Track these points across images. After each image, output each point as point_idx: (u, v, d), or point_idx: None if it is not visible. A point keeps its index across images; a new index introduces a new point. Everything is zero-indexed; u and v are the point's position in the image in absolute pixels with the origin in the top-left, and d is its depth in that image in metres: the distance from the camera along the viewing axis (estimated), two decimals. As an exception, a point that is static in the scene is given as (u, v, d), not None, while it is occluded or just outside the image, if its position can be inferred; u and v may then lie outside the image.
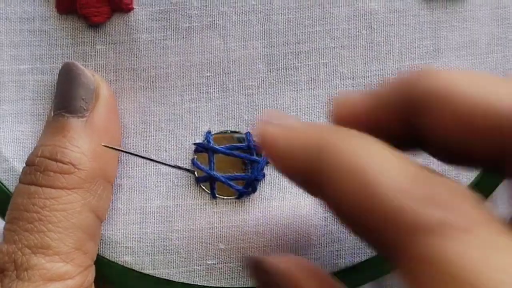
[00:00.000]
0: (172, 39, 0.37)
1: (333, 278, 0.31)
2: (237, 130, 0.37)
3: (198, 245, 0.37)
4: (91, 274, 0.34)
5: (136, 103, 0.37)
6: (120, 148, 0.34)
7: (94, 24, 0.37)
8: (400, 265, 0.22)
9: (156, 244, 0.36)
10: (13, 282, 0.32)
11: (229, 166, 0.37)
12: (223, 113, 0.37)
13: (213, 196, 0.36)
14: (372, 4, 0.37)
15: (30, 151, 0.35)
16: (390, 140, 0.25)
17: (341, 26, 0.37)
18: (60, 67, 0.36)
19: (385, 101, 0.27)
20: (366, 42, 0.37)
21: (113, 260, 0.36)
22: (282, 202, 0.37)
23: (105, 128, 0.35)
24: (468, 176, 0.38)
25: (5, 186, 0.36)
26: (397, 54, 0.37)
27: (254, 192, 0.37)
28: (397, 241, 0.22)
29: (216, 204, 0.37)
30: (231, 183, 0.36)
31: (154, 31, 0.37)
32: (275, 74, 0.37)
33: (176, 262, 0.36)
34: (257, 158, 0.37)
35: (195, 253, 0.36)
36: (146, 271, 0.36)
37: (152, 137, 0.37)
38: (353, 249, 0.37)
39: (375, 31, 0.37)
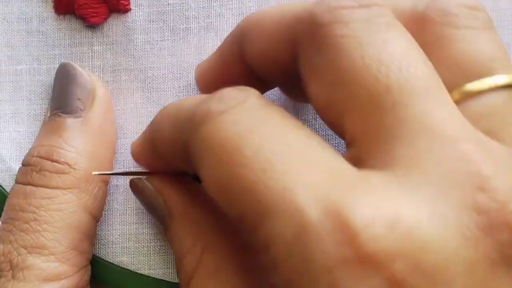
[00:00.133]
0: (169, 40, 0.37)
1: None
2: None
3: (194, 245, 0.37)
4: (87, 274, 0.34)
5: (132, 103, 0.37)
6: (111, 172, 0.36)
7: (91, 24, 0.37)
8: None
9: (152, 244, 0.36)
10: (9, 282, 0.32)
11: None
12: (219, 114, 0.37)
13: (209, 196, 0.37)
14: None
15: (27, 152, 0.35)
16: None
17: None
18: (57, 67, 0.36)
19: (229, 54, 0.32)
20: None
21: (109, 260, 0.36)
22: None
23: (101, 129, 0.35)
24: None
25: (1, 186, 0.36)
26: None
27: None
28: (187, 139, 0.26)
29: (212, 204, 0.37)
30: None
31: (151, 32, 0.37)
32: (271, 75, 0.37)
33: (172, 262, 0.36)
34: None
35: (191, 254, 0.36)
36: (142, 272, 0.36)
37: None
38: None
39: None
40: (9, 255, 0.32)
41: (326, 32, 0.25)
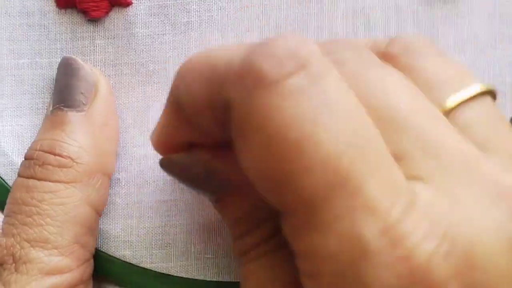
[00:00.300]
0: (171, 34, 0.37)
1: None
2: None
3: (196, 239, 0.37)
4: (89, 268, 0.34)
5: (134, 97, 0.37)
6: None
7: (93, 18, 0.37)
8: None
9: (154, 238, 0.36)
10: (12, 275, 0.32)
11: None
12: (221, 108, 0.37)
13: (211, 190, 0.37)
14: (369, 0, 0.37)
15: (29, 145, 0.35)
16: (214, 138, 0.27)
17: (339, 22, 0.37)
18: (59, 61, 0.36)
19: (171, 111, 0.29)
20: (364, 38, 0.37)
21: (112, 254, 0.36)
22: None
23: (104, 122, 0.35)
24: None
25: (3, 180, 0.37)
26: (395, 49, 0.37)
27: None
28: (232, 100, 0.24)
29: (214, 198, 0.37)
30: (230, 177, 0.36)
31: (152, 26, 0.37)
32: (273, 69, 0.37)
33: (174, 256, 0.36)
34: None
35: (193, 248, 0.37)
36: (144, 265, 0.36)
37: (150, 132, 0.37)
38: None
39: (373, 26, 0.37)
40: (12, 248, 0.32)
41: (256, 97, 0.23)
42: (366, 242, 0.22)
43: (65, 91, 0.35)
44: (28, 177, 0.33)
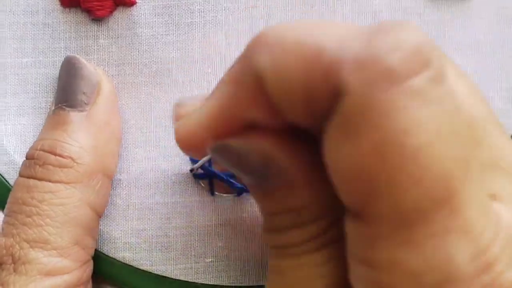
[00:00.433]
0: (174, 35, 0.37)
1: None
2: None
3: (196, 242, 0.36)
4: (89, 269, 0.34)
5: (137, 98, 0.37)
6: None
7: (97, 18, 0.37)
8: (334, 116, 0.22)
9: (154, 240, 0.36)
10: (10, 276, 0.32)
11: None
12: (224, 110, 0.37)
13: (212, 193, 0.36)
14: (377, 2, 0.37)
15: (31, 145, 0.35)
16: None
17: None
18: (63, 60, 0.36)
19: (241, 89, 0.25)
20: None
21: (111, 256, 0.36)
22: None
23: (106, 123, 0.35)
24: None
25: (5, 179, 0.37)
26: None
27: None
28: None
29: (215, 201, 0.37)
30: (232, 180, 0.36)
31: (156, 26, 0.37)
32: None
33: (174, 259, 0.36)
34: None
35: (193, 250, 0.36)
36: (144, 268, 0.36)
37: (152, 133, 0.37)
38: None
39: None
40: (11, 248, 0.32)
41: (378, 91, 0.21)
42: (455, 266, 0.21)
43: (67, 90, 0.35)
44: (28, 177, 0.33)
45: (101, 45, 0.37)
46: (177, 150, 0.36)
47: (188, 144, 0.28)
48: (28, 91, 0.37)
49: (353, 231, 0.23)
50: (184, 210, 0.36)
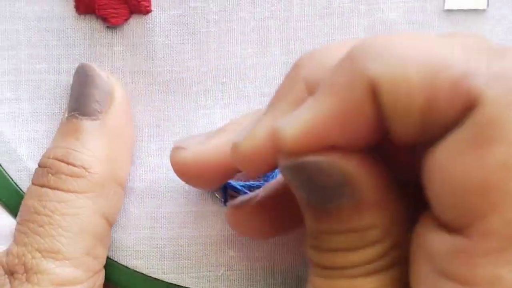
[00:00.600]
0: (189, 44, 0.37)
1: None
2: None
3: (209, 251, 0.36)
4: (100, 278, 0.34)
5: (150, 106, 0.37)
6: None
7: (112, 25, 0.37)
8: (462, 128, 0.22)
9: (166, 249, 0.36)
10: (23, 285, 0.32)
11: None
12: (238, 120, 0.37)
13: (225, 203, 0.36)
14: (392, 14, 0.37)
15: (44, 151, 0.35)
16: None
17: (360, 36, 0.37)
18: (76, 67, 0.36)
19: (347, 103, 0.24)
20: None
21: (123, 264, 0.36)
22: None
23: (119, 131, 0.35)
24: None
25: (18, 186, 0.37)
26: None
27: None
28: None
29: (227, 211, 0.37)
30: (246, 190, 0.36)
31: (171, 35, 0.37)
32: (292, 81, 0.37)
33: (186, 267, 0.36)
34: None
35: (205, 260, 0.36)
36: (156, 276, 0.36)
37: (166, 142, 0.37)
38: None
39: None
40: (23, 257, 0.32)
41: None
42: None
43: (80, 99, 0.35)
44: (41, 185, 0.33)
45: (115, 52, 0.37)
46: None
47: (251, 161, 0.27)
48: (42, 97, 0.37)
49: (446, 246, 0.23)
50: (197, 220, 0.36)
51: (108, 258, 0.35)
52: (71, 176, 0.33)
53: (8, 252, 0.33)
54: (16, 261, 0.32)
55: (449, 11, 0.37)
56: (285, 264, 0.36)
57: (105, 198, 0.34)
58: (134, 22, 0.37)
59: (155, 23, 0.37)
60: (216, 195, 0.36)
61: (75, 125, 0.34)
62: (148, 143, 0.37)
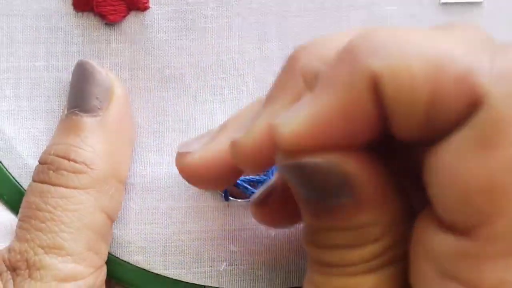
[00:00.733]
0: (187, 39, 0.37)
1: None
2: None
3: (210, 246, 0.37)
4: (102, 274, 0.34)
5: (150, 102, 0.37)
6: None
7: (110, 22, 0.37)
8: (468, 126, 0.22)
9: (167, 244, 0.36)
10: (25, 281, 0.32)
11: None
12: (237, 115, 0.37)
13: (226, 198, 0.36)
14: (388, 8, 0.37)
15: (44, 148, 0.35)
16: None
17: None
18: (75, 64, 0.36)
19: (351, 97, 0.23)
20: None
21: (125, 260, 0.36)
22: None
23: (119, 127, 0.35)
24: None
25: (18, 183, 0.37)
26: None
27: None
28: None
29: (229, 206, 0.37)
30: (246, 185, 0.36)
31: (169, 31, 0.37)
32: (290, 76, 0.37)
33: (187, 263, 0.36)
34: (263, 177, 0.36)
35: (206, 255, 0.36)
36: (157, 271, 0.36)
37: (165, 137, 0.37)
38: None
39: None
40: (25, 254, 0.32)
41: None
42: None
43: (80, 96, 0.35)
44: (42, 182, 0.33)
45: (113, 49, 0.37)
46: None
47: (250, 159, 0.27)
48: (41, 94, 0.37)
49: (450, 248, 0.23)
50: (198, 215, 0.37)
51: (109, 254, 0.35)
52: (72, 172, 0.33)
53: (10, 249, 0.33)
54: (19, 257, 0.32)
55: (446, 4, 0.37)
56: (286, 259, 0.37)
57: (106, 194, 0.34)
58: (132, 19, 0.37)
59: (153, 19, 0.37)
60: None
61: (76, 122, 0.34)
62: (147, 139, 0.37)
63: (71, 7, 0.37)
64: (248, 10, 0.37)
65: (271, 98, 0.28)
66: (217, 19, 0.37)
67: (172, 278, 0.36)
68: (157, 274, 0.36)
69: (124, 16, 0.37)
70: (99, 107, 0.34)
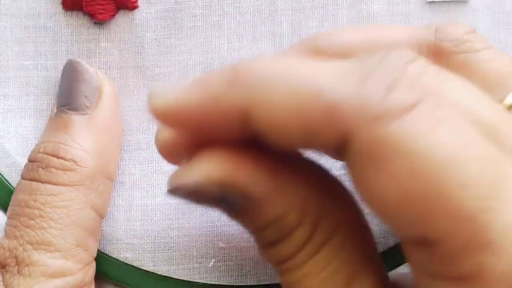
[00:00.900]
0: (176, 38, 0.37)
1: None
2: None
3: (199, 243, 0.37)
4: (91, 270, 0.34)
5: (139, 101, 0.37)
6: None
7: (99, 21, 0.37)
8: (350, 153, 0.23)
9: (156, 241, 0.37)
10: (14, 278, 0.32)
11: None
12: (225, 113, 0.37)
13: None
14: (375, 7, 0.37)
15: (33, 147, 0.35)
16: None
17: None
18: (64, 63, 0.36)
19: (224, 103, 0.25)
20: (369, 44, 0.37)
21: (114, 257, 0.36)
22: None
23: (108, 126, 0.35)
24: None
25: (7, 181, 0.37)
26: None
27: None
28: (345, 132, 0.22)
29: (217, 203, 0.37)
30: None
31: (158, 30, 0.37)
32: (278, 74, 0.37)
33: (177, 259, 0.37)
34: None
35: (195, 251, 0.37)
36: (147, 268, 0.36)
37: (154, 135, 0.37)
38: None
39: (379, 33, 0.37)
40: (14, 250, 0.32)
41: (384, 127, 0.22)
42: None
43: (69, 94, 0.35)
44: (31, 180, 0.33)
45: (102, 48, 0.37)
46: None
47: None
48: (29, 93, 0.37)
49: (422, 256, 0.23)
50: (187, 211, 0.37)
51: (98, 251, 0.35)
52: (61, 169, 0.33)
53: (-1, 246, 0.33)
54: (8, 254, 0.32)
55: (432, 2, 0.37)
56: None
57: (95, 191, 0.34)
58: (121, 18, 0.37)
59: (142, 18, 0.37)
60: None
61: (65, 120, 0.34)
62: (136, 137, 0.37)
63: (60, 7, 0.37)
64: (236, 9, 0.37)
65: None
66: (206, 18, 0.37)
67: (161, 275, 0.36)
68: (146, 270, 0.36)
69: (113, 15, 0.37)
70: (88, 105, 0.35)
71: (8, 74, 0.37)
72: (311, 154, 0.28)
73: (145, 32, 0.37)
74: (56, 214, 0.33)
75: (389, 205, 0.22)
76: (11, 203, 0.34)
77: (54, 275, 0.32)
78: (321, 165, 0.27)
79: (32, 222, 0.32)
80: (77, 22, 0.37)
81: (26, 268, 0.32)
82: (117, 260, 0.36)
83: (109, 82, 0.36)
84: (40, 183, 0.33)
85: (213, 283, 0.37)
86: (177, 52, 0.37)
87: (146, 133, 0.37)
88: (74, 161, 0.33)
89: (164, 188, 0.36)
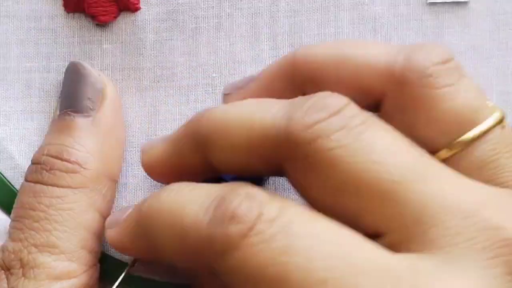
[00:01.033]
0: (179, 40, 0.37)
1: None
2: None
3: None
4: (96, 272, 0.34)
5: (141, 102, 0.37)
6: None
7: (101, 23, 0.37)
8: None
9: (160, 242, 0.37)
10: (19, 280, 0.32)
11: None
12: (228, 114, 0.37)
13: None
14: (377, 8, 0.37)
15: (36, 149, 0.35)
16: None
17: (345, 30, 0.37)
18: (67, 65, 0.36)
19: (187, 148, 0.31)
20: (370, 45, 0.38)
21: (118, 258, 0.37)
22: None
23: (111, 128, 0.35)
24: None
25: (10, 183, 0.37)
26: (401, 57, 0.38)
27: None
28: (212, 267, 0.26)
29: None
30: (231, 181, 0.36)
31: (160, 31, 0.37)
32: (280, 75, 0.37)
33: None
34: None
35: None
36: (150, 269, 0.37)
37: (157, 137, 0.37)
38: None
39: (379, 34, 0.38)
40: (19, 253, 0.32)
41: (313, 150, 0.26)
42: None
43: (72, 96, 0.35)
44: (35, 182, 0.34)
45: (105, 50, 0.37)
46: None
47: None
48: (31, 95, 0.37)
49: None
50: (190, 213, 0.37)
51: (103, 252, 0.35)
52: (65, 172, 0.33)
53: (3, 249, 0.33)
54: (12, 256, 0.32)
55: (433, 3, 0.37)
56: None
57: (99, 193, 0.34)
58: (123, 20, 0.37)
59: (144, 20, 0.37)
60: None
61: (68, 122, 0.34)
62: (139, 139, 0.37)
63: (62, 9, 0.37)
64: (238, 10, 0.37)
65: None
66: (208, 20, 0.37)
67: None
68: (150, 272, 0.37)
69: (115, 17, 0.37)
70: (91, 107, 0.35)
71: (11, 77, 0.37)
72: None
73: (147, 34, 0.37)
74: (60, 217, 0.33)
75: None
76: (15, 206, 0.34)
77: (59, 277, 0.32)
78: None
79: (36, 224, 0.33)
80: (79, 24, 0.37)
81: (31, 270, 0.32)
82: (121, 262, 0.36)
83: (112, 84, 0.36)
84: (44, 186, 0.33)
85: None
86: (179, 53, 0.37)
87: (148, 135, 0.37)
88: (78, 164, 0.34)
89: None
